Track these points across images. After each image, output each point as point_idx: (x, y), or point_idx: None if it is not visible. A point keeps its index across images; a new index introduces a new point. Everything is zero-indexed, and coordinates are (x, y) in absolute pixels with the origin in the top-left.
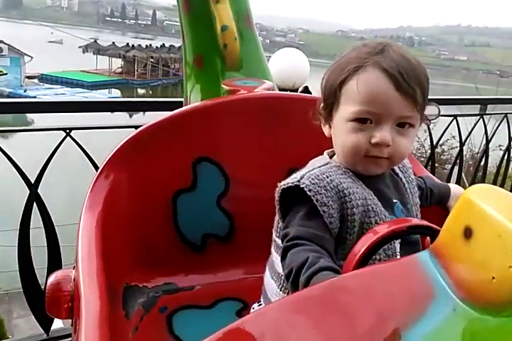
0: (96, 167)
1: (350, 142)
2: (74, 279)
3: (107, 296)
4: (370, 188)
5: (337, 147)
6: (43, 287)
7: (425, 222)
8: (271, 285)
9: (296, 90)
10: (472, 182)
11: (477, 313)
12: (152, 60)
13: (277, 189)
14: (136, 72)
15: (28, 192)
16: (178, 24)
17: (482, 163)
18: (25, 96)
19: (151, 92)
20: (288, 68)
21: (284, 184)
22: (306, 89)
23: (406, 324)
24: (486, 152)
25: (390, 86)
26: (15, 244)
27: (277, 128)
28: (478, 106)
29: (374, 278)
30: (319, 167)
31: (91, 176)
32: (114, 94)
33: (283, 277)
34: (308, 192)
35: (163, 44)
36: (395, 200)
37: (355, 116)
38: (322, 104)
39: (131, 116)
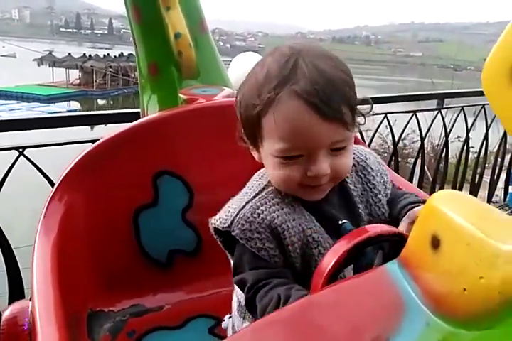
0: (52, 184)
1: (281, 177)
2: (31, 311)
3: (66, 328)
4: (312, 212)
5: (269, 176)
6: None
7: (392, 229)
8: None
9: None
10: (435, 174)
11: (451, 327)
12: (111, 69)
13: (210, 225)
14: (95, 83)
15: None
16: None
17: (443, 155)
18: None
19: (111, 103)
20: (246, 72)
21: (214, 222)
22: None
23: (382, 338)
24: (446, 145)
25: (313, 115)
26: None
27: (232, 135)
28: (436, 101)
29: (344, 293)
30: (254, 197)
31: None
32: (73, 107)
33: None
34: (240, 241)
35: (122, 53)
36: (341, 221)
37: (283, 154)
38: (243, 131)
39: (92, 128)
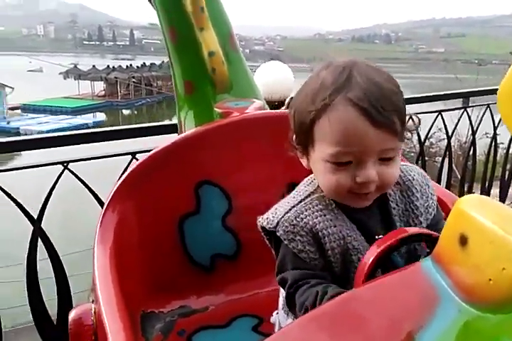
0: (95, 196)
1: (331, 182)
2: (95, 312)
3: (130, 327)
4: (353, 221)
5: (319, 182)
6: (53, 318)
7: (425, 230)
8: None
9: (282, 102)
10: (463, 172)
11: (479, 312)
12: (134, 79)
13: (258, 222)
14: (119, 94)
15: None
16: (157, 42)
17: (471, 153)
18: (9, 128)
19: (136, 112)
20: (273, 81)
21: (262, 222)
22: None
23: (418, 327)
24: (473, 143)
25: (366, 122)
26: (14, 279)
27: (272, 145)
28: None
29: (383, 288)
30: (300, 202)
31: (89, 204)
32: (99, 118)
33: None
34: (284, 241)
35: (144, 63)
36: (378, 236)
37: (334, 160)
38: (295, 138)
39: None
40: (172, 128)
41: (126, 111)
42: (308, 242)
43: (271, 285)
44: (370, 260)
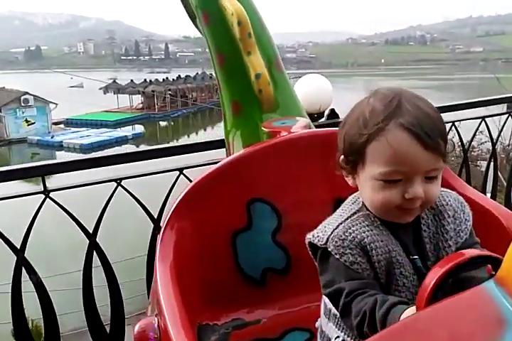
0: (147, 211)
1: (380, 199)
2: (158, 326)
3: (194, 339)
4: (396, 238)
5: (365, 200)
6: (105, 323)
7: (487, 252)
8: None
9: (322, 113)
10: (509, 177)
11: None
12: (170, 92)
13: (306, 239)
14: (156, 106)
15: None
16: (190, 54)
17: None
18: (53, 142)
19: (172, 123)
20: (313, 93)
21: (313, 239)
22: (332, 112)
23: None
24: None
25: (417, 145)
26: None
27: (318, 162)
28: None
29: (447, 311)
30: (346, 219)
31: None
32: (138, 130)
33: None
34: (335, 255)
35: (179, 75)
36: (412, 257)
37: (385, 178)
38: (343, 158)
39: None
40: (216, 145)
41: (163, 123)
42: (359, 254)
43: (319, 300)
44: (432, 282)
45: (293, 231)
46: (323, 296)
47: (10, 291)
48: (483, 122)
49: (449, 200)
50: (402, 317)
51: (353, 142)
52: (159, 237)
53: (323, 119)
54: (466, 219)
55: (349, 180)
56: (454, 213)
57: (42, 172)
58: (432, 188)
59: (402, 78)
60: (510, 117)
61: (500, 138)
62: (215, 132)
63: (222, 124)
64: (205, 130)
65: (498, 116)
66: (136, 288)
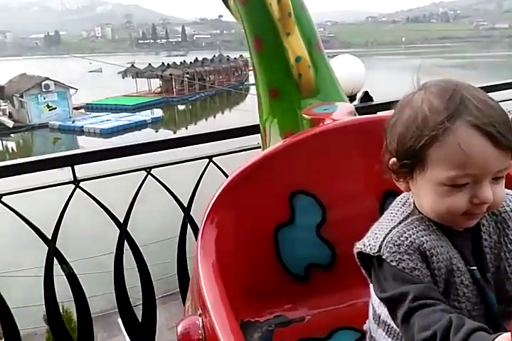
0: (177, 200)
1: (446, 205)
2: (203, 326)
3: (242, 338)
4: (454, 245)
5: (424, 206)
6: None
7: None
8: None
9: (355, 96)
10: None
11: None
12: (188, 75)
13: (355, 249)
14: (174, 90)
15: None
16: (207, 36)
17: None
18: (74, 127)
19: (190, 107)
20: (345, 75)
21: (364, 248)
22: (366, 94)
23: None
24: None
25: (489, 145)
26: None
27: (365, 152)
28: None
29: None
30: (399, 223)
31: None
32: (156, 114)
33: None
34: (391, 263)
35: (196, 58)
36: (470, 267)
37: (451, 182)
38: (395, 162)
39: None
40: (248, 131)
41: (181, 107)
42: (418, 259)
43: (366, 296)
44: None
45: (338, 225)
46: (372, 300)
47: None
48: None
49: None
50: None
51: (411, 145)
52: (200, 232)
53: (355, 102)
54: None
55: (401, 185)
56: None
57: (71, 162)
58: (500, 190)
59: (424, 57)
60: None
61: None
62: (233, 115)
63: (239, 107)
64: (223, 113)
65: None
66: (159, 272)
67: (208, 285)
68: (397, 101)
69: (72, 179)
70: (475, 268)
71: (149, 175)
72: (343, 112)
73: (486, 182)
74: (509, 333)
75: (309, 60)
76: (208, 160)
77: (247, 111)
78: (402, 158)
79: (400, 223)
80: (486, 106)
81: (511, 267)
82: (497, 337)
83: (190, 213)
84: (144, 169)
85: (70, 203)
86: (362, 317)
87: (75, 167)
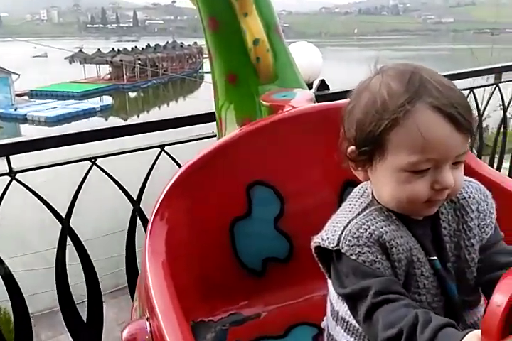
0: (125, 192)
1: (407, 193)
2: (151, 332)
3: None
4: (414, 235)
5: (384, 195)
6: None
7: None
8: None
9: (311, 84)
10: (494, 148)
11: None
12: (140, 61)
13: (312, 243)
14: (125, 76)
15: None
16: (160, 22)
17: (501, 131)
18: (16, 115)
19: (142, 94)
20: (302, 63)
21: (322, 242)
22: (323, 83)
23: None
24: (504, 121)
25: (451, 127)
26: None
27: (327, 141)
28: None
29: None
30: (358, 214)
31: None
32: (106, 101)
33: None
34: (351, 257)
35: (149, 44)
36: (431, 257)
37: (413, 168)
38: (354, 149)
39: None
40: (203, 118)
41: (132, 94)
42: (379, 252)
43: (323, 290)
44: (506, 301)
45: (297, 217)
46: (330, 296)
47: None
48: (471, 94)
49: (471, 192)
50: None
51: (371, 130)
52: (148, 229)
53: (312, 91)
54: (490, 212)
55: (359, 174)
56: (477, 206)
57: (7, 152)
58: (459, 175)
59: (375, 48)
60: (497, 88)
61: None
62: (187, 103)
63: (194, 95)
64: (176, 101)
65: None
66: (111, 265)
67: (156, 288)
68: (351, 91)
69: (8, 170)
70: (435, 258)
71: (94, 166)
72: (302, 99)
73: (446, 166)
74: (479, 330)
75: (268, 43)
76: (159, 149)
77: (202, 99)
78: (361, 145)
79: (358, 214)
80: (445, 87)
81: (471, 255)
82: (467, 333)
83: (142, 206)
84: (89, 159)
85: (12, 195)
86: (319, 312)
87: (13, 157)
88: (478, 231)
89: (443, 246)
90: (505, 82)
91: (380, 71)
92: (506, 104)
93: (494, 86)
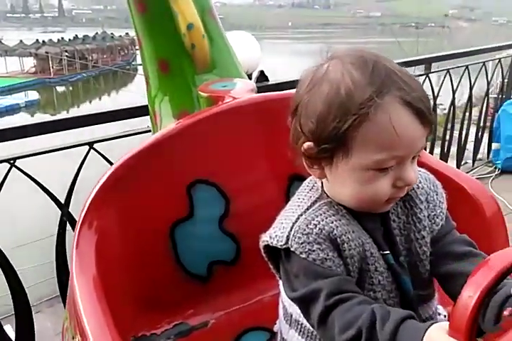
0: (51, 195)
1: (369, 193)
2: None
3: None
4: (365, 229)
5: (344, 195)
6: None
7: None
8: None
9: (250, 75)
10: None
11: None
12: (67, 53)
13: (261, 242)
14: (51, 69)
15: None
16: (88, 12)
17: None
18: None
19: (71, 88)
20: (239, 53)
21: (271, 240)
22: (262, 74)
23: None
24: (434, 110)
25: (417, 122)
26: None
27: (272, 133)
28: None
29: None
30: (307, 209)
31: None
32: (32, 97)
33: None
34: (301, 255)
35: (76, 35)
36: (383, 252)
37: (378, 166)
38: (312, 146)
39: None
40: (136, 112)
41: (60, 88)
42: (330, 248)
43: (273, 290)
44: (478, 293)
45: (243, 216)
46: (282, 298)
47: None
48: None
49: (420, 182)
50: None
51: (335, 126)
52: (75, 237)
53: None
54: (440, 202)
55: (314, 172)
56: (426, 197)
57: None
58: (415, 169)
59: (309, 42)
60: (427, 78)
61: None
62: (121, 97)
63: (127, 88)
64: (109, 95)
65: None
66: (46, 272)
67: (87, 306)
68: (294, 81)
69: None
70: (388, 252)
71: (14, 168)
72: (243, 90)
73: (409, 162)
74: (444, 323)
75: (203, 29)
76: (88, 147)
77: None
78: (322, 141)
79: (307, 209)
80: (410, 79)
81: (422, 248)
82: (430, 325)
83: (69, 210)
84: (7, 161)
85: None
86: (271, 314)
87: None
88: (429, 222)
89: (394, 240)
90: (435, 72)
91: (334, 57)
92: (436, 94)
93: (424, 76)
